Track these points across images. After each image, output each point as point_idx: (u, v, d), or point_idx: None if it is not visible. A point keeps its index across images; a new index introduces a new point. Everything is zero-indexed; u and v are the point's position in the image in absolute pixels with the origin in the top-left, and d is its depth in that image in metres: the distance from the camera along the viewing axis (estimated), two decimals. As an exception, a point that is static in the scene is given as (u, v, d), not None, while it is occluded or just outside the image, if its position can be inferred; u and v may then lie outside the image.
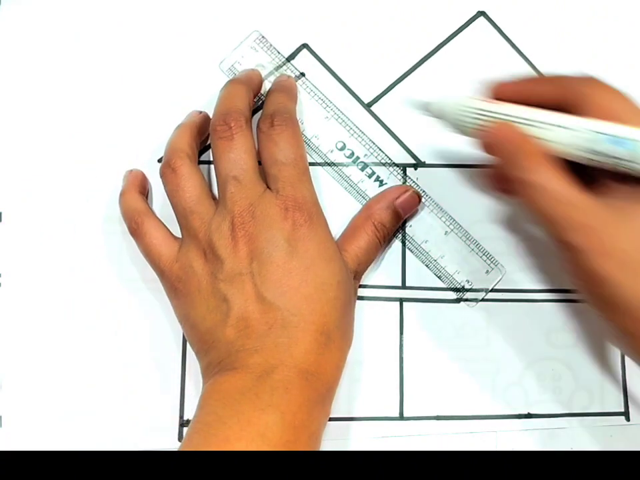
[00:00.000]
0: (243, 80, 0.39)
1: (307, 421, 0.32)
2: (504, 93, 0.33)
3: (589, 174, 0.32)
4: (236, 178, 0.35)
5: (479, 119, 0.32)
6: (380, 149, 0.41)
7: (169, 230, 0.38)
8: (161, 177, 0.37)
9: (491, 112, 0.32)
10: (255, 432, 0.30)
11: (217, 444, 0.30)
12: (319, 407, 0.33)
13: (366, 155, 0.40)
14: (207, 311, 0.35)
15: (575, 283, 0.32)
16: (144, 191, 0.39)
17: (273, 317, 0.34)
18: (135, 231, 0.38)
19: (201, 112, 0.40)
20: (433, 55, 0.41)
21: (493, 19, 0.42)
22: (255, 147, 0.36)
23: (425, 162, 0.41)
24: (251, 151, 0.36)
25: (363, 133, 0.41)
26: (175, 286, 0.36)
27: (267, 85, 0.41)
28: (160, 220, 0.38)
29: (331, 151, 0.40)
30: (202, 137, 0.39)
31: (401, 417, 0.39)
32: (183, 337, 0.39)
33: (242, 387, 0.32)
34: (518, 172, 0.31)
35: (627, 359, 0.39)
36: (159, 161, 0.40)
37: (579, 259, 0.30)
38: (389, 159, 0.41)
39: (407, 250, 0.40)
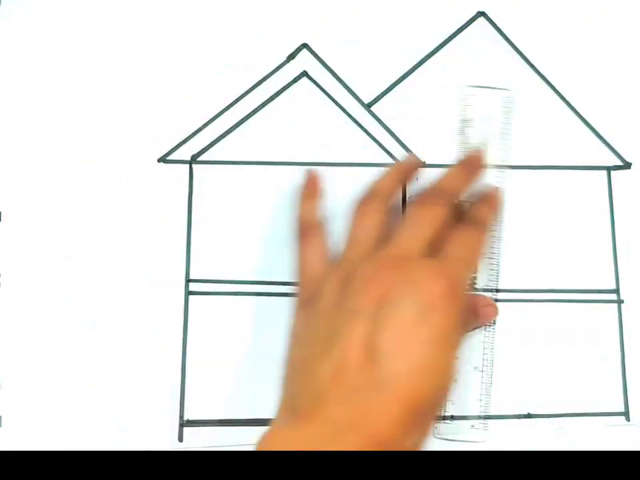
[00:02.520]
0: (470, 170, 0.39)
1: None
2: None
3: None
4: (413, 238, 0.34)
5: None
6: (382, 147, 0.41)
7: (328, 248, 0.37)
8: (357, 204, 0.37)
9: None
10: None
11: None
12: None
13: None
14: (316, 336, 0.33)
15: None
16: (321, 194, 0.39)
17: (373, 373, 0.31)
18: (301, 239, 0.37)
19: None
20: (433, 55, 0.41)
21: (492, 19, 0.42)
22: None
23: (425, 162, 0.41)
24: (438, 228, 0.35)
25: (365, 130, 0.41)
26: (305, 300, 0.35)
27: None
28: (326, 235, 0.38)
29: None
30: (405, 182, 0.39)
31: (401, 417, 0.39)
32: (183, 337, 0.39)
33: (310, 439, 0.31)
34: None
35: (627, 359, 0.39)
36: (159, 160, 0.40)
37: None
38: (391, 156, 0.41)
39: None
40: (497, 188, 0.39)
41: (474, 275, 0.37)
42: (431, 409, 0.32)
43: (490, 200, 0.38)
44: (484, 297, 0.39)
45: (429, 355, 0.31)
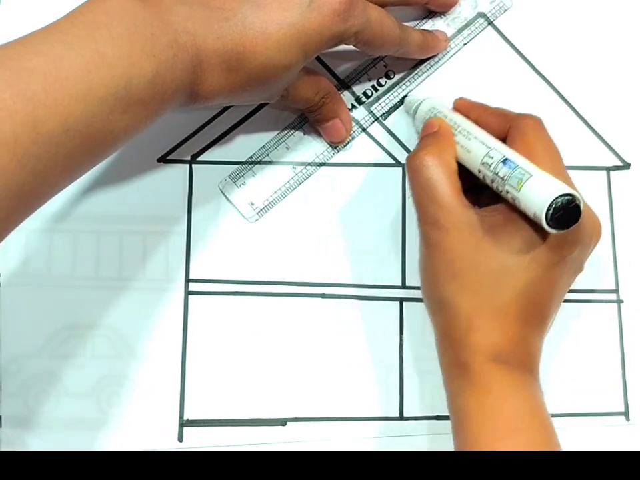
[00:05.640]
0: None
1: None
2: (462, 106, 0.38)
3: (485, 195, 0.35)
4: None
5: (431, 115, 0.38)
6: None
7: None
8: None
9: (441, 112, 0.38)
10: None
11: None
12: None
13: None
14: None
15: (420, 267, 0.35)
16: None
17: None
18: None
19: None
20: (433, 55, 0.41)
21: (495, 23, 0.42)
22: None
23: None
24: None
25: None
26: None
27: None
28: None
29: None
30: None
31: (401, 417, 0.39)
32: (183, 337, 0.39)
33: None
34: (424, 152, 0.34)
35: (626, 359, 0.39)
36: (159, 160, 0.40)
37: (427, 253, 0.34)
38: (391, 157, 0.41)
39: (406, 249, 0.40)
40: None
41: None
42: None
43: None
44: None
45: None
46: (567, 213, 0.30)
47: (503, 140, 0.35)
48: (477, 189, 0.36)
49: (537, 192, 0.31)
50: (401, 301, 0.40)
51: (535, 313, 0.33)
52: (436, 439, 0.38)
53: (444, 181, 0.34)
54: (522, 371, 0.33)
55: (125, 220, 0.40)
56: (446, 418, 0.38)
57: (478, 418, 0.32)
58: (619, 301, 0.40)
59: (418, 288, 0.40)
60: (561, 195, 0.30)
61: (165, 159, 0.41)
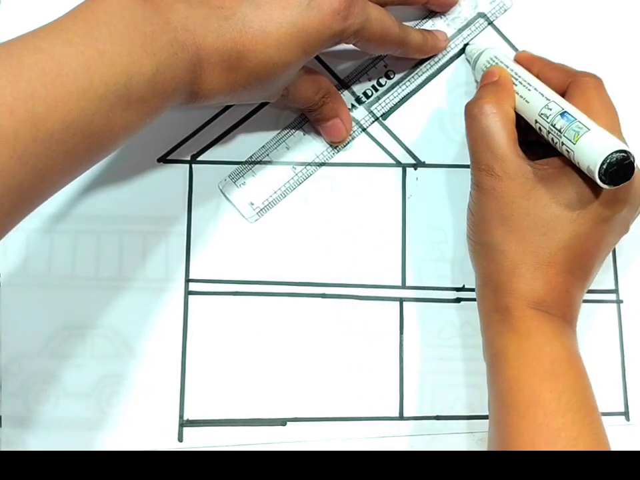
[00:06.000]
0: None
1: None
2: (524, 58, 0.39)
3: (538, 148, 0.36)
4: None
5: (492, 64, 0.38)
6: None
7: None
8: None
9: (502, 62, 0.38)
10: None
11: None
12: None
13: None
14: None
15: (470, 211, 0.36)
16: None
17: None
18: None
19: None
20: (433, 55, 0.41)
21: (495, 23, 0.42)
22: None
23: (424, 162, 0.41)
24: None
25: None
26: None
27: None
28: None
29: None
30: None
31: (401, 417, 0.39)
32: (183, 337, 0.39)
33: None
34: (484, 100, 0.35)
35: (626, 359, 0.39)
36: (159, 160, 0.40)
37: (478, 198, 0.35)
38: (393, 158, 0.41)
39: (406, 249, 0.40)
40: None
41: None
42: None
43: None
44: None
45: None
46: (621, 169, 0.30)
47: (562, 95, 0.35)
48: (531, 141, 0.36)
49: (593, 146, 0.31)
50: (401, 301, 0.40)
51: (578, 266, 0.34)
52: (436, 438, 0.38)
53: (501, 130, 0.34)
54: (561, 321, 0.33)
55: (125, 220, 0.40)
56: (446, 418, 0.38)
57: (517, 361, 0.32)
58: (619, 301, 0.40)
59: (418, 288, 0.40)
60: (617, 151, 0.30)
61: (165, 159, 0.41)
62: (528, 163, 0.34)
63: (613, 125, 0.34)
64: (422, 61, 0.41)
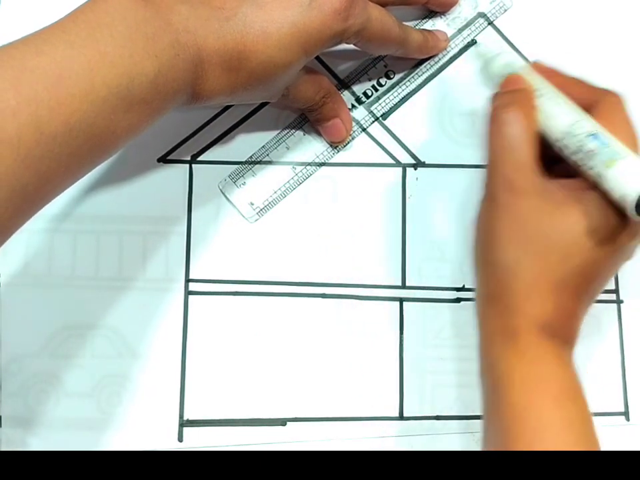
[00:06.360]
0: None
1: None
2: (540, 69, 0.35)
3: (557, 164, 0.33)
4: None
5: (510, 71, 0.35)
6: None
7: None
8: None
9: (524, 71, 0.35)
10: None
11: None
12: None
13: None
14: None
15: (478, 225, 0.34)
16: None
17: None
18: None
19: None
20: (433, 55, 0.41)
21: (495, 23, 0.42)
22: None
23: (424, 162, 0.41)
24: None
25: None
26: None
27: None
28: None
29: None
30: None
31: (401, 417, 0.39)
32: (183, 337, 0.39)
33: None
34: (511, 108, 0.33)
35: (626, 359, 0.39)
36: (159, 160, 0.40)
37: (490, 212, 0.33)
38: (394, 158, 0.41)
39: (406, 249, 0.40)
40: None
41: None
42: None
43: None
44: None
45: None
46: None
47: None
48: (546, 159, 0.34)
49: (630, 176, 0.30)
50: (401, 300, 0.40)
51: (587, 292, 0.33)
52: (436, 438, 0.38)
53: (526, 142, 0.32)
54: (566, 346, 0.33)
55: (125, 220, 0.40)
56: (446, 418, 0.38)
57: (524, 386, 0.31)
58: (619, 301, 0.40)
59: (418, 288, 0.40)
60: None
61: (165, 159, 0.41)
62: (550, 181, 0.32)
63: (635, 150, 0.32)
64: (422, 61, 0.41)
